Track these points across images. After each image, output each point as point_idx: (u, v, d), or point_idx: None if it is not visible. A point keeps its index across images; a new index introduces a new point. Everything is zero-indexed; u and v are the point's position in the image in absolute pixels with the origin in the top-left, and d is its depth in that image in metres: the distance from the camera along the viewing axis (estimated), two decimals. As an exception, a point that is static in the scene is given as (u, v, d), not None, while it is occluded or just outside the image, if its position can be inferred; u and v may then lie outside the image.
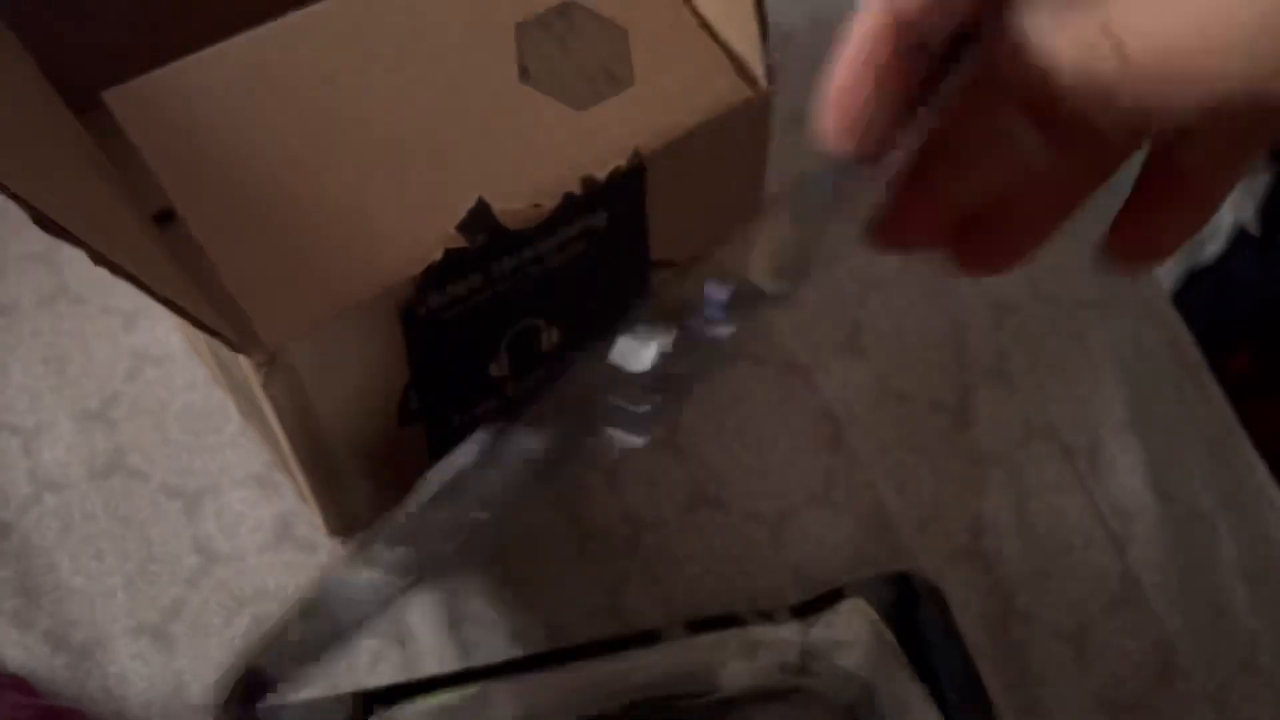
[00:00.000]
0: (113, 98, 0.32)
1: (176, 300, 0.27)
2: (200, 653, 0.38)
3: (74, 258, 0.44)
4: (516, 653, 0.37)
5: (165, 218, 0.33)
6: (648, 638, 0.36)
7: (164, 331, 0.43)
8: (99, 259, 0.26)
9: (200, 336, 0.35)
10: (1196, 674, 0.41)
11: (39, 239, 0.45)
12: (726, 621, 0.36)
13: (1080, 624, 0.41)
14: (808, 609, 0.37)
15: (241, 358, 0.30)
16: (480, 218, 0.30)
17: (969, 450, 0.44)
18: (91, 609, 0.38)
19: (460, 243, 0.30)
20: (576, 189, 0.31)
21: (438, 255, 0.30)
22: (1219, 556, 0.44)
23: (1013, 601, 0.41)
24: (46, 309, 0.44)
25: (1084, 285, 0.48)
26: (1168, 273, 0.84)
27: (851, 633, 0.35)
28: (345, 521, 0.38)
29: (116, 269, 0.26)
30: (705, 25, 0.35)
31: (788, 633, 0.36)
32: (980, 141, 0.19)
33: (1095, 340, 0.46)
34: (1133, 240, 0.20)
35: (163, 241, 0.32)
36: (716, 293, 0.20)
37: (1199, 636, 0.42)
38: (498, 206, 0.31)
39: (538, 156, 0.32)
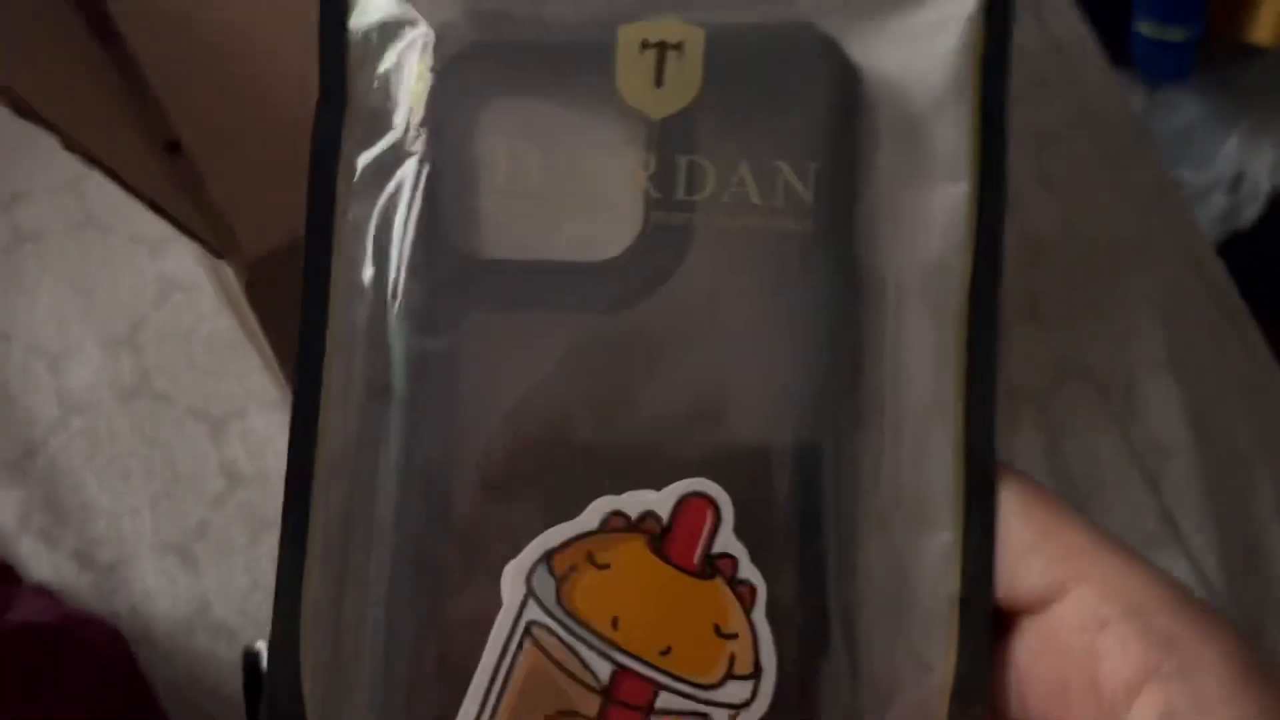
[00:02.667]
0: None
1: (158, 199, 0.27)
2: (225, 572, 0.38)
3: (102, 187, 0.44)
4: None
5: (178, 148, 0.33)
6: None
7: (191, 259, 0.43)
8: (69, 144, 0.25)
9: (211, 263, 0.35)
10: (1230, 614, 0.40)
11: (67, 169, 0.45)
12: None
13: (1113, 562, 0.41)
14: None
15: (229, 270, 0.30)
16: None
17: (1002, 388, 0.43)
18: (118, 528, 0.38)
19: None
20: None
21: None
22: (1256, 498, 0.43)
23: (1044, 538, 0.40)
24: (74, 237, 0.44)
25: (1121, 226, 0.47)
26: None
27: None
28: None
29: (90, 157, 0.26)
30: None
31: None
32: None
33: (1132, 281, 0.46)
34: None
35: (167, 164, 0.32)
36: None
37: (1233, 577, 0.41)
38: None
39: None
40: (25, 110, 0.25)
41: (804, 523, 0.16)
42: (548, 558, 0.16)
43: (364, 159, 0.17)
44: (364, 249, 0.17)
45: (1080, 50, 0.52)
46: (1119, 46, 0.77)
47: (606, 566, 0.16)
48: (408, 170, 0.17)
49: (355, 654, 0.17)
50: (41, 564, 0.38)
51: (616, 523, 0.16)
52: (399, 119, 0.17)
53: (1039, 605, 0.16)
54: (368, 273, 0.17)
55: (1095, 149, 0.49)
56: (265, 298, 0.32)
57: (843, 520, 0.17)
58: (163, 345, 0.42)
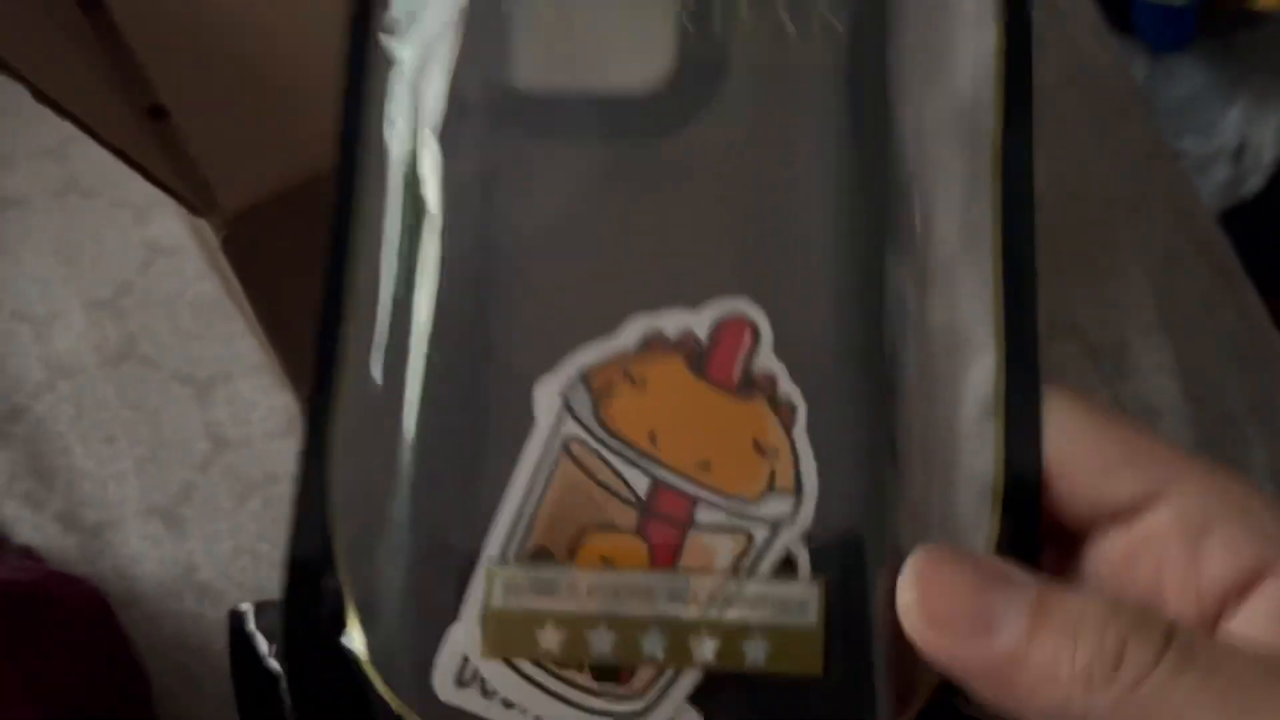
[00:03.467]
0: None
1: (134, 155, 0.27)
2: (210, 535, 0.38)
3: (85, 152, 0.44)
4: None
5: (160, 113, 0.33)
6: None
7: (176, 224, 0.43)
8: (39, 95, 0.25)
9: (194, 226, 0.35)
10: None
11: (51, 134, 0.45)
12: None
13: (1102, 523, 0.40)
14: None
15: (207, 228, 0.29)
16: None
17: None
18: (103, 491, 0.38)
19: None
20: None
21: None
22: (1249, 460, 0.42)
23: (1033, 499, 0.40)
24: (58, 202, 0.44)
25: (1113, 185, 0.46)
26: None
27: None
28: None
29: (62, 109, 0.25)
30: None
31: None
32: None
33: (1124, 241, 0.45)
34: None
35: (147, 126, 0.32)
36: None
37: (1225, 537, 0.41)
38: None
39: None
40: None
41: (843, 341, 0.17)
42: (584, 375, 0.16)
43: None
44: (402, 83, 0.17)
45: (1075, 9, 0.51)
46: (1121, 13, 0.76)
47: (644, 383, 0.16)
48: (445, 4, 0.17)
49: (386, 478, 0.17)
50: (26, 527, 0.38)
51: (654, 341, 0.16)
52: None
53: (1129, 514, 0.16)
54: (405, 107, 0.17)
55: (1088, 108, 0.48)
56: (243, 255, 0.32)
57: (883, 339, 0.17)
58: (148, 310, 0.41)
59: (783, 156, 0.17)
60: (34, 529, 0.38)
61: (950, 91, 0.17)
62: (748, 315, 0.16)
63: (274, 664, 0.36)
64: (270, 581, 0.38)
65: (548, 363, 0.16)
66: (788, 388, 0.16)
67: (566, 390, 0.16)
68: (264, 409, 0.40)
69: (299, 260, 0.32)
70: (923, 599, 0.16)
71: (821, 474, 0.16)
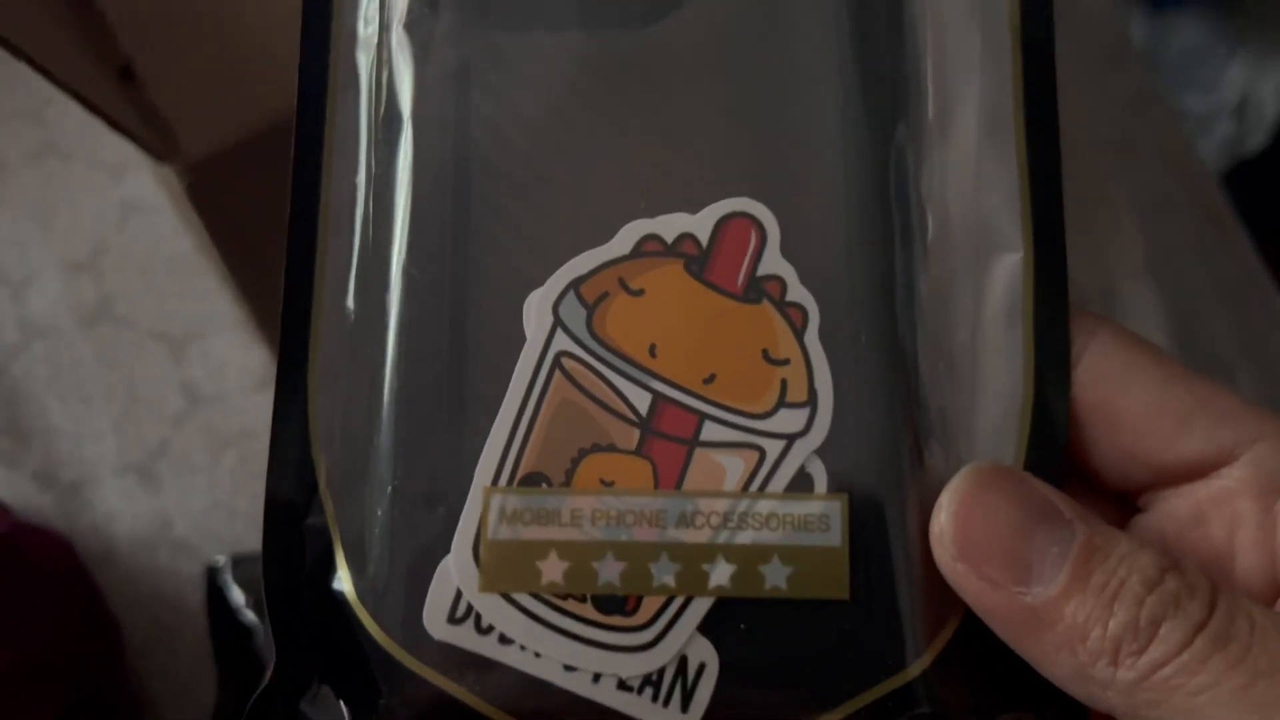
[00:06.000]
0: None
1: (96, 100, 0.26)
2: (186, 491, 0.38)
3: (62, 114, 0.44)
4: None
5: (127, 75, 0.33)
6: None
7: (151, 184, 0.43)
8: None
9: (169, 184, 0.35)
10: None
11: (27, 97, 0.44)
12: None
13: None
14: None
15: (172, 174, 0.29)
16: None
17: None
18: (79, 449, 0.38)
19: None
20: None
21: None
22: (1238, 403, 0.42)
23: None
24: (34, 165, 0.43)
25: (1104, 131, 0.46)
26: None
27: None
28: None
29: (20, 53, 0.25)
30: None
31: None
32: None
33: (1113, 185, 0.44)
34: None
35: (119, 87, 0.32)
36: None
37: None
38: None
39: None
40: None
41: (857, 237, 0.15)
42: (576, 285, 0.15)
43: None
44: None
45: (1062, -46, 0.51)
46: (1117, -36, 0.75)
47: (641, 292, 0.15)
48: None
49: (368, 408, 0.15)
50: (2, 486, 0.37)
51: (651, 246, 0.15)
52: None
53: (1200, 471, 0.15)
54: (368, 6, 0.16)
55: (1077, 55, 0.47)
56: (209, 204, 0.31)
57: (900, 238, 0.15)
58: (123, 269, 0.41)
59: (786, 41, 0.15)
60: (10, 487, 0.37)
61: None
62: (752, 214, 0.15)
63: (250, 616, 0.36)
64: (247, 536, 0.37)
65: (537, 275, 0.15)
66: (798, 291, 0.15)
67: (558, 303, 0.15)
68: (238, 365, 0.40)
69: (266, 209, 0.32)
70: (960, 529, 0.14)
71: (837, 383, 0.15)
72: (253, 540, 0.37)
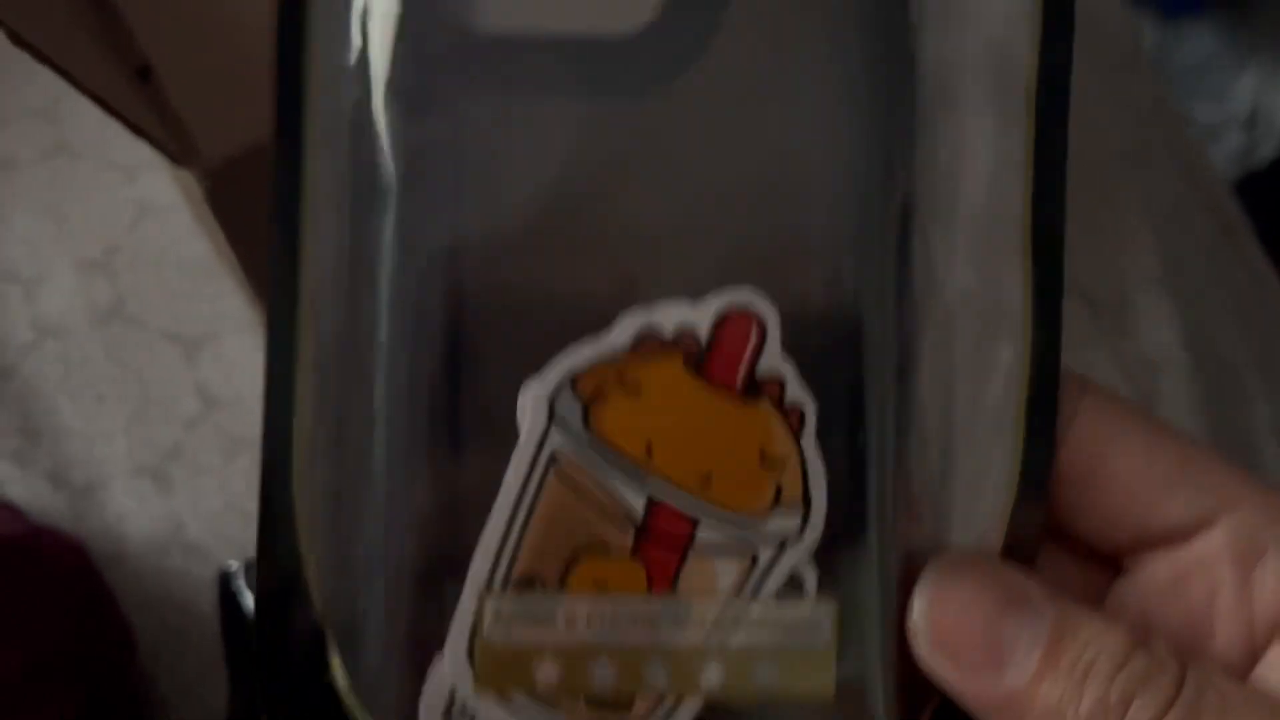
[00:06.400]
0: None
1: (115, 105, 0.26)
2: (199, 493, 0.38)
3: (75, 112, 0.44)
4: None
5: (147, 75, 0.33)
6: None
7: (165, 184, 0.43)
8: (16, 39, 0.25)
9: (184, 184, 0.35)
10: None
11: (40, 94, 0.44)
12: None
13: (1101, 479, 0.40)
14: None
15: (195, 183, 0.29)
16: None
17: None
18: (91, 450, 0.38)
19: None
20: None
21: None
22: (1251, 414, 0.42)
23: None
24: (47, 163, 0.43)
25: (1117, 140, 0.45)
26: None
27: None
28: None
29: (41, 55, 0.25)
30: None
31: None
32: None
33: (1126, 195, 0.44)
34: None
35: (137, 88, 0.32)
36: None
37: (1227, 493, 0.40)
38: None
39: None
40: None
41: (860, 335, 0.15)
42: (572, 379, 0.14)
43: None
44: (344, 26, 0.15)
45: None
46: (1129, -27, 0.75)
47: (639, 388, 0.14)
48: None
49: (356, 498, 0.15)
50: (15, 485, 0.37)
51: (650, 340, 0.14)
52: None
53: (1181, 536, 0.16)
54: (350, 55, 0.15)
55: (1089, 61, 0.47)
56: (228, 207, 0.31)
57: (901, 332, 0.15)
58: (136, 269, 0.41)
59: (794, 111, 0.15)
60: (23, 488, 0.37)
61: (982, 34, 0.15)
62: (753, 308, 0.14)
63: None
64: (258, 538, 0.38)
65: (530, 366, 0.14)
66: (796, 391, 0.14)
67: (554, 398, 0.14)
68: (252, 368, 0.40)
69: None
70: (934, 622, 0.15)
71: (831, 486, 0.15)
72: (264, 543, 0.37)
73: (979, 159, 0.15)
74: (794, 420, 0.15)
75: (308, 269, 0.15)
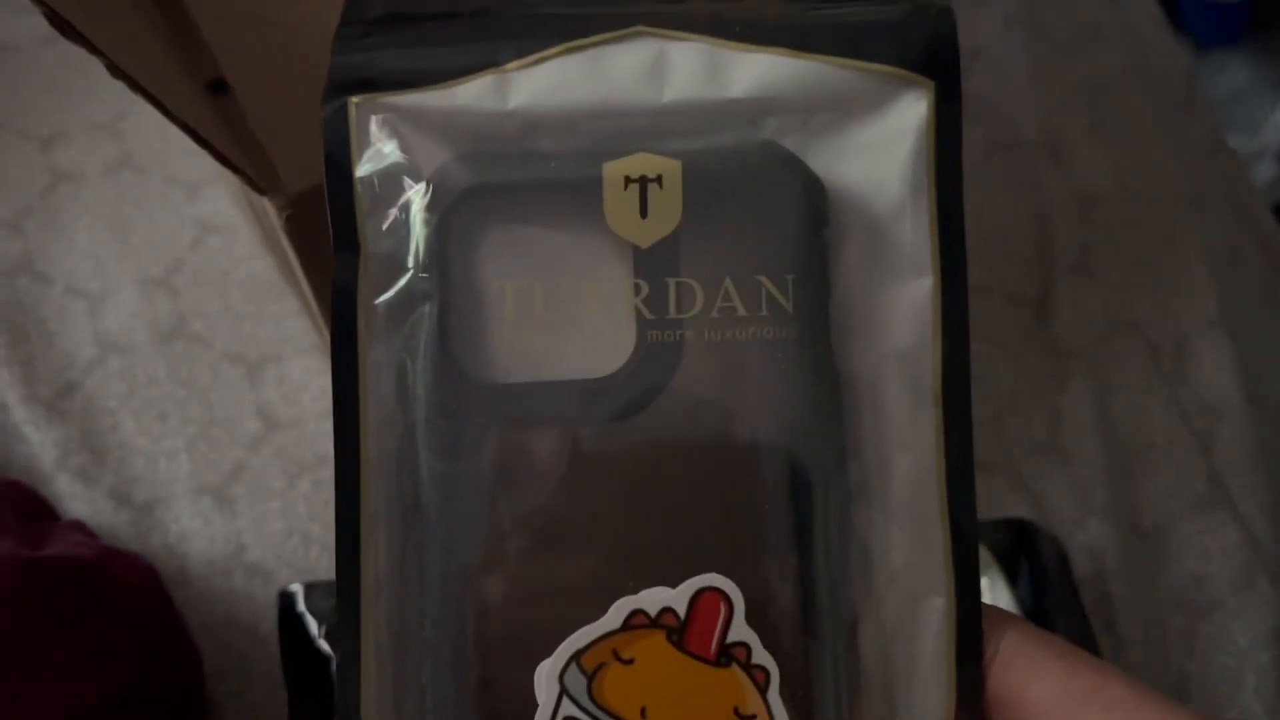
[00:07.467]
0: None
1: (201, 130, 0.27)
2: (261, 515, 0.38)
3: (139, 127, 0.44)
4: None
5: (220, 88, 0.33)
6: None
7: (227, 202, 0.43)
8: (114, 70, 0.25)
9: (249, 204, 0.35)
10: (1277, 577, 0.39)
11: (105, 109, 0.44)
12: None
13: (1159, 523, 0.40)
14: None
15: (270, 206, 0.29)
16: None
17: (1048, 344, 0.42)
18: (154, 468, 0.38)
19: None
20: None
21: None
22: (1309, 460, 0.42)
23: (1090, 497, 0.40)
24: (111, 178, 0.43)
25: (1175, 182, 0.46)
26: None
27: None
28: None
29: (135, 83, 0.25)
30: None
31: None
32: None
33: (1185, 238, 0.44)
34: None
35: (210, 102, 0.32)
36: None
37: (1285, 540, 0.40)
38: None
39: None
40: (70, 32, 0.24)
41: (808, 606, 0.18)
42: (577, 657, 0.18)
43: (381, 302, 0.19)
44: (388, 384, 0.19)
45: (1135, 2, 0.51)
46: (1169, 7, 0.75)
47: (631, 661, 0.18)
48: (421, 309, 0.18)
49: None
50: (78, 502, 0.38)
51: (638, 620, 0.18)
52: (409, 261, 0.18)
53: None
54: (393, 406, 0.18)
55: (1148, 103, 0.47)
56: (305, 234, 0.31)
57: (844, 599, 0.18)
58: (199, 288, 0.41)
59: (740, 429, 0.18)
60: (87, 504, 0.38)
61: (894, 345, 0.19)
62: (720, 588, 0.18)
63: (323, 645, 0.36)
64: (320, 562, 0.38)
65: (544, 648, 0.18)
66: (760, 655, 0.18)
67: (563, 674, 0.18)
68: (315, 390, 0.40)
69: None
70: None
71: None
72: (326, 567, 0.37)
73: (899, 449, 0.19)
74: (760, 679, 0.18)
75: (366, 576, 0.18)
